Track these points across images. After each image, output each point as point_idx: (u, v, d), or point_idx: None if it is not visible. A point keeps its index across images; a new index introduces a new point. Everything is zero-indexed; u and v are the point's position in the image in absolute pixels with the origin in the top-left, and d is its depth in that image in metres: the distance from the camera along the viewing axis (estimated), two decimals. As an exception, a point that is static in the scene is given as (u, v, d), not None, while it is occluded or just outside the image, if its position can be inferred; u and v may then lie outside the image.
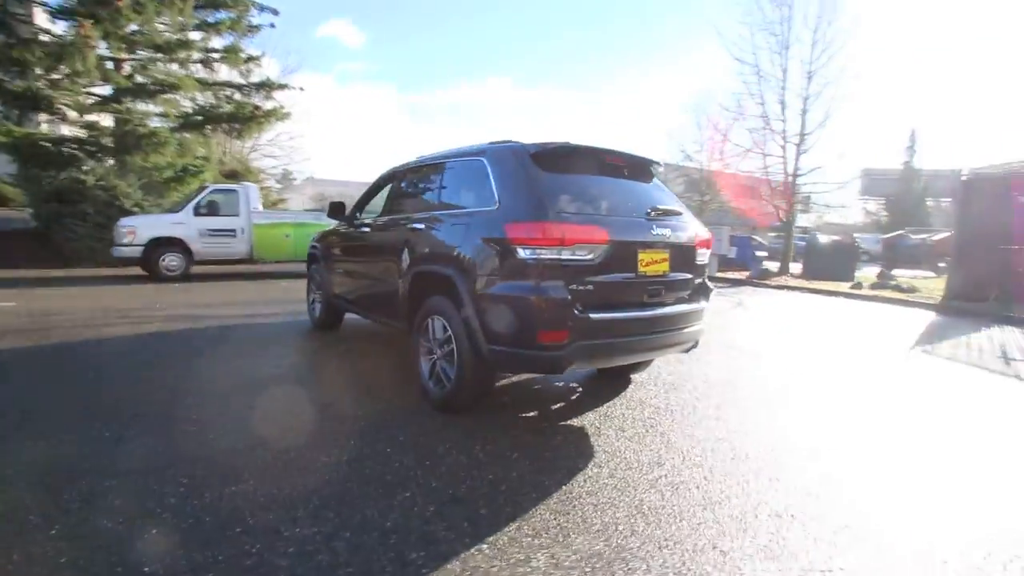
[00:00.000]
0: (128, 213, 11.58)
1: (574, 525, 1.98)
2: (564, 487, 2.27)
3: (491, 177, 2.96)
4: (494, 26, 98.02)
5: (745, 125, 17.22)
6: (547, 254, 2.59)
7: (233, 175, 18.02)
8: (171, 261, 9.75)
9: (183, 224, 9.91)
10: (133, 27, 12.97)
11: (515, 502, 2.13)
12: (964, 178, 10.81)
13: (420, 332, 3.29)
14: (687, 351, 3.30)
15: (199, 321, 5.74)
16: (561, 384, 3.81)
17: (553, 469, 2.43)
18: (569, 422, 3.07)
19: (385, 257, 3.83)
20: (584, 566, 1.74)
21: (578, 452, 2.65)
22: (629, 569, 1.73)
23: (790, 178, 15.91)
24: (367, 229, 4.25)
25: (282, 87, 16.52)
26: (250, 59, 15.97)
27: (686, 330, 3.12)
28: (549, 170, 2.87)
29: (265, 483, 2.21)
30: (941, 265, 16.58)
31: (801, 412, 3.42)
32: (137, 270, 9.93)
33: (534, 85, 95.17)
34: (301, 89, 17.01)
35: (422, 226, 3.38)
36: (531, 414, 3.23)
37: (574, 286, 2.62)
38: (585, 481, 2.33)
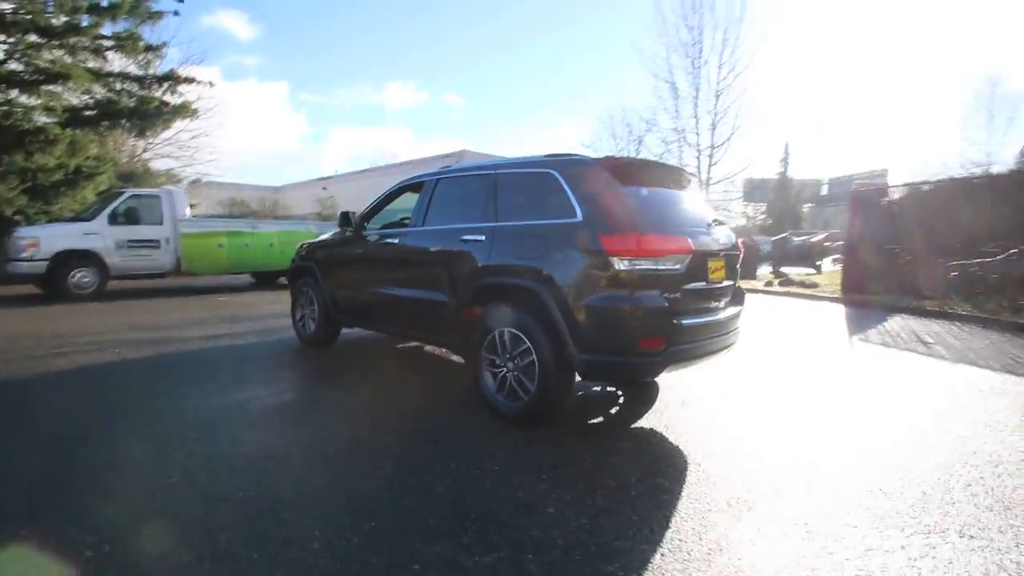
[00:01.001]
0: (9, 221, 9.91)
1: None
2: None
3: (567, 190, 3.04)
4: (399, 30, 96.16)
5: (660, 136, 18.70)
6: (644, 265, 2.74)
7: (128, 178, 16.07)
8: (83, 278, 8.51)
9: (96, 235, 8.70)
10: (6, 5, 11.13)
11: (648, 502, 2.25)
12: (854, 189, 12.65)
13: (483, 346, 3.27)
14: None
15: (163, 346, 5.12)
16: (584, 393, 3.96)
17: (642, 461, 2.58)
18: (638, 425, 3.24)
19: (428, 269, 3.74)
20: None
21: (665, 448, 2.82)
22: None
23: (703, 187, 17.51)
24: (395, 240, 4.10)
25: (189, 81, 15.02)
26: (150, 48, 14.35)
27: (734, 331, 3.42)
28: (625, 183, 3.02)
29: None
30: (818, 263, 19.17)
31: (818, 396, 3.88)
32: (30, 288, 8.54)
33: (439, 92, 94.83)
34: (211, 84, 15.61)
35: (482, 238, 3.35)
36: (597, 420, 3.36)
37: (667, 294, 2.79)
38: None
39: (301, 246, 5.55)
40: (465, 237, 3.48)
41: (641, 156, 21.41)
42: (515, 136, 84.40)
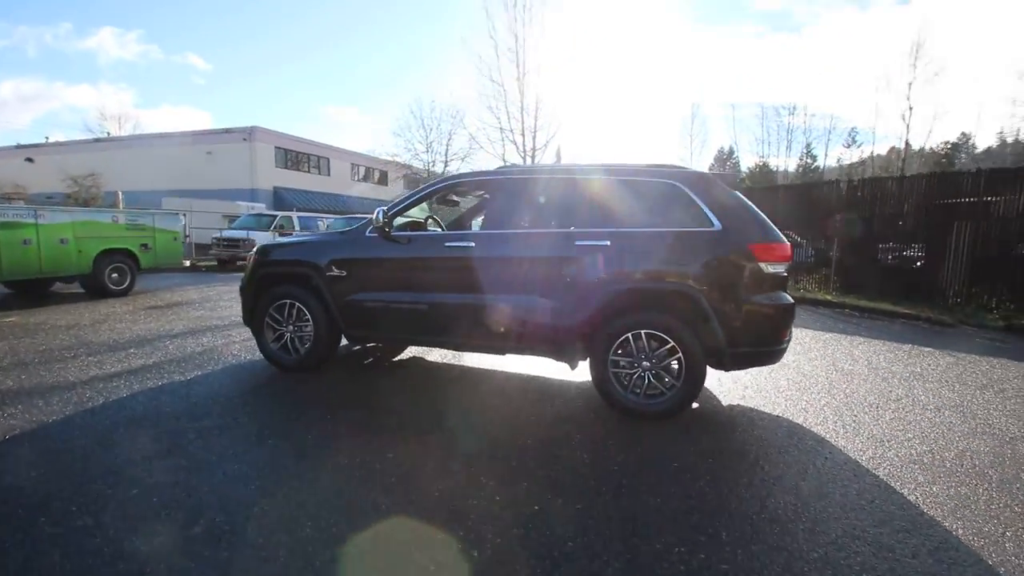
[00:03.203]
0: None
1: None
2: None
3: (698, 201, 3.34)
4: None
5: (475, 131, 19.71)
6: (779, 268, 3.25)
7: None
8: None
9: None
10: None
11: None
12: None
13: (611, 350, 3.35)
14: None
15: (60, 402, 3.53)
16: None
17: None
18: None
19: (527, 274, 3.54)
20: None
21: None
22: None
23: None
24: (466, 244, 3.69)
25: None
26: None
27: None
28: (745, 195, 3.47)
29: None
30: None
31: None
32: None
33: (175, 48, 78.72)
34: None
35: (606, 243, 3.37)
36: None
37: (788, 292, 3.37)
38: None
39: (264, 249, 4.43)
40: (582, 242, 3.45)
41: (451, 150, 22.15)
42: (280, 112, 75.83)
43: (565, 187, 3.68)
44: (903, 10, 57.44)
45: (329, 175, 33.28)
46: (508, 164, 3.94)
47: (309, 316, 4.15)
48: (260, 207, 23.89)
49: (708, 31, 66.62)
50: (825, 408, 3.71)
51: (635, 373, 3.37)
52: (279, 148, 29.71)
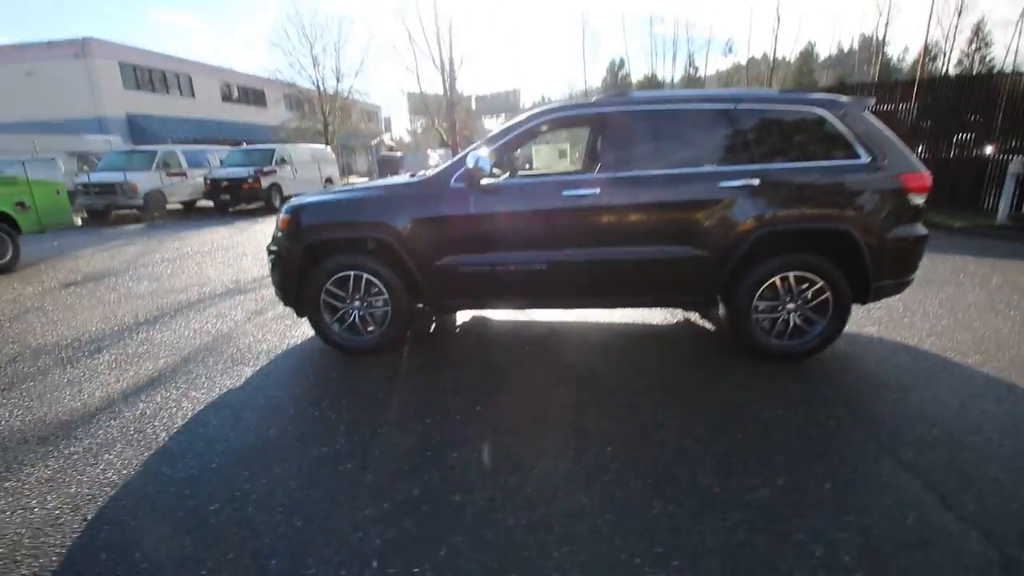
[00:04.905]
0: None
1: None
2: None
3: (844, 130, 3.12)
4: None
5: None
6: (921, 199, 3.21)
7: None
8: None
9: None
10: None
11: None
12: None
13: (755, 295, 3.20)
14: None
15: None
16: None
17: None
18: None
19: (666, 222, 3.16)
20: None
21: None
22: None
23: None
24: (594, 191, 3.16)
25: None
26: None
27: None
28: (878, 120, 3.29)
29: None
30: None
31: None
32: None
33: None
34: None
35: (755, 182, 3.07)
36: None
37: (920, 222, 3.36)
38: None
39: (303, 209, 3.49)
40: (727, 183, 3.11)
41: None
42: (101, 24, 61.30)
43: (697, 119, 3.24)
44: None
45: (193, 97, 28.03)
46: (612, 93, 3.37)
47: (383, 288, 3.44)
48: (115, 139, 19.69)
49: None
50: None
51: (779, 317, 3.27)
52: (125, 64, 24.09)
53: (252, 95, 32.01)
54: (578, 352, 3.57)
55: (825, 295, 3.20)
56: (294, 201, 3.61)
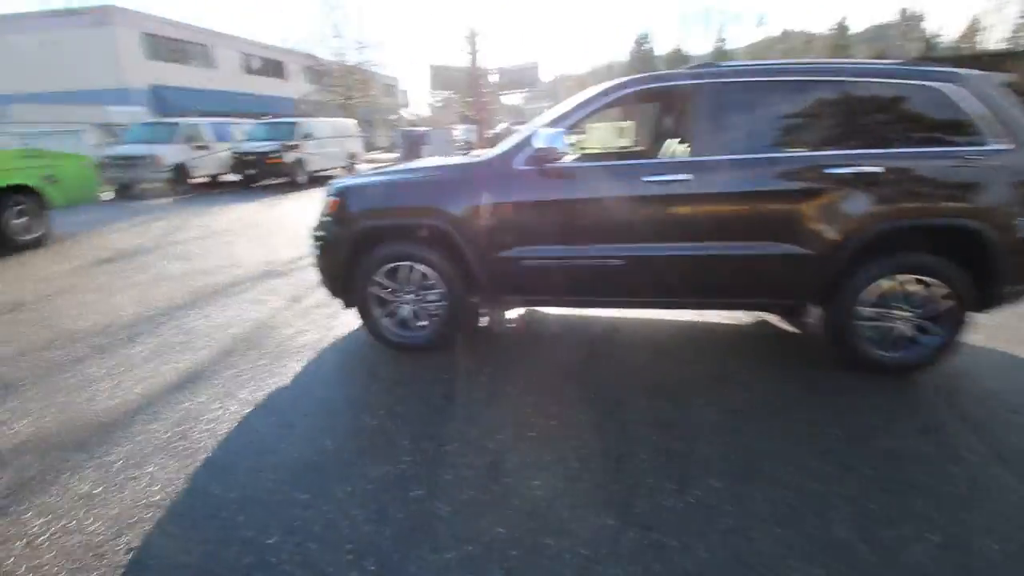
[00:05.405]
0: None
1: None
2: None
3: (983, 110, 2.66)
4: None
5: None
6: (1061, 194, 2.76)
7: None
8: None
9: None
10: None
11: None
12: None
13: (859, 298, 2.82)
14: None
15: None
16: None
17: None
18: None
19: (766, 215, 2.78)
20: None
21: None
22: None
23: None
24: (681, 177, 2.79)
25: None
26: None
27: None
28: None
29: None
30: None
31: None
32: None
33: None
34: None
35: (879, 169, 2.66)
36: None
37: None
38: None
39: (351, 191, 3.18)
40: (838, 170, 2.70)
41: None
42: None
43: (799, 95, 2.81)
44: None
45: (216, 68, 27.73)
46: (704, 63, 2.93)
47: (438, 280, 3.14)
48: (140, 111, 19.55)
49: None
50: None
51: (886, 325, 2.88)
52: (147, 34, 23.81)
53: (272, 67, 31.58)
54: (650, 355, 3.24)
55: (944, 301, 2.80)
56: (342, 182, 3.29)
